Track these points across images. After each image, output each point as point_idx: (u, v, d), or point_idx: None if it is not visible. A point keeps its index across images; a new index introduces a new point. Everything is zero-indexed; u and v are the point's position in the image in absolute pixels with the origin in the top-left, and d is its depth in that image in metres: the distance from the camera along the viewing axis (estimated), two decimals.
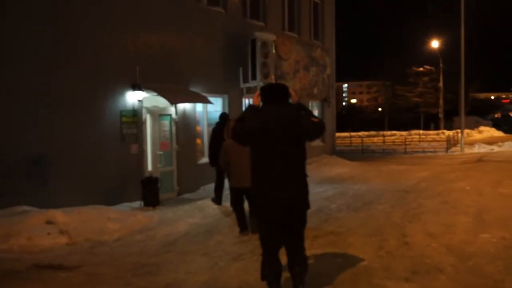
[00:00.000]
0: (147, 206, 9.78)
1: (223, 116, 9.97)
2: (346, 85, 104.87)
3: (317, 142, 19.21)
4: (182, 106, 11.65)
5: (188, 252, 6.42)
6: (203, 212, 9.04)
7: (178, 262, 5.99)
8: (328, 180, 13.48)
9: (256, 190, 4.09)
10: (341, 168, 16.41)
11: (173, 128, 11.40)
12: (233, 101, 13.68)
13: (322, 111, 19.71)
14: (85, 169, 9.26)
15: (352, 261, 5.53)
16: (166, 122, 11.31)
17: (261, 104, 4.21)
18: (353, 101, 70.00)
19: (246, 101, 14.40)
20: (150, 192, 9.85)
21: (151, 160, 10.90)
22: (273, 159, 3.93)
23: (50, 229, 7.22)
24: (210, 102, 11.70)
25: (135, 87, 10.20)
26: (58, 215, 7.61)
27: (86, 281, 5.42)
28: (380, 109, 66.42)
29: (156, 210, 9.63)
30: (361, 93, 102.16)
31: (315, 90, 18.81)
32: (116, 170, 9.90)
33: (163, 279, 5.37)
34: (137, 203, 9.91)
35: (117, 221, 7.97)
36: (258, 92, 4.29)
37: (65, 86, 8.93)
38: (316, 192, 11.07)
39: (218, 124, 9.89)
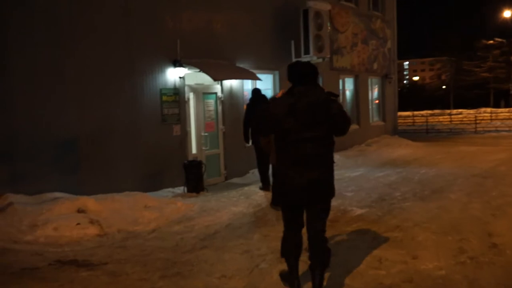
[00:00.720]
0: (190, 192, 9.05)
1: (255, 92, 8.93)
2: (407, 62, 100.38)
3: (377, 122, 17.83)
4: (228, 83, 10.77)
5: (227, 249, 5.55)
6: (249, 199, 8.17)
7: (214, 261, 5.14)
8: (389, 163, 12.22)
9: (280, 172, 3.93)
10: (404, 149, 15.02)
11: (219, 108, 10.55)
12: (285, 78, 12.60)
13: (382, 88, 18.22)
14: (122, 153, 8.62)
15: (424, 269, 4.44)
16: (211, 101, 10.47)
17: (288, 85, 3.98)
18: (415, 78, 66.33)
19: None
20: (193, 177, 9.11)
21: (196, 142, 10.13)
22: (299, 141, 3.75)
23: (80, 218, 6.59)
24: (258, 79, 10.72)
25: (176, 63, 9.40)
26: (90, 203, 7.00)
27: (107, 283, 4.68)
28: (444, 86, 62.75)
29: (199, 196, 8.88)
30: (423, 70, 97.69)
31: (375, 65, 17.35)
32: (157, 154, 9.20)
33: (193, 283, 4.53)
34: (181, 189, 9.21)
35: (154, 210, 7.25)
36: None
37: (97, 62, 8.25)
38: (376, 176, 9.91)
39: (251, 100, 8.88)
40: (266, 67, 11.99)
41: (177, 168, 9.23)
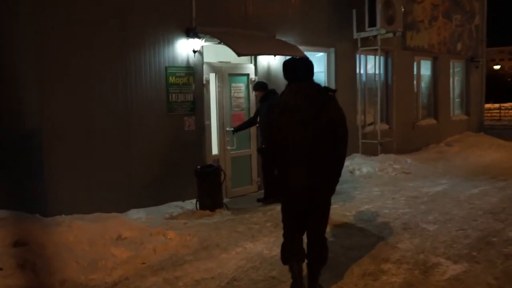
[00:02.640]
0: (203, 210, 6.59)
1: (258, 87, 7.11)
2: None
3: (460, 115, 14.49)
4: (266, 62, 8.13)
5: None
6: (278, 229, 5.52)
7: None
8: (482, 171, 9.11)
9: (280, 173, 3.74)
10: (496, 151, 11.69)
11: (252, 95, 7.96)
12: (342, 57, 9.79)
13: (466, 75, 14.81)
14: (110, 156, 6.25)
15: None
16: (241, 86, 7.90)
17: None
18: (496, 67, 60.11)
19: (362, 59, 10.40)
20: (207, 189, 6.63)
21: (217, 140, 7.62)
22: (296, 141, 3.60)
23: (7, 259, 4.28)
24: (302, 55, 7.97)
25: (190, 32, 6.91)
26: (35, 231, 4.68)
27: None
28: None
29: (214, 215, 6.42)
30: (502, 60, 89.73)
31: (459, 46, 13.99)
32: (161, 155, 6.79)
33: None
34: (193, 202, 6.76)
35: (129, 245, 4.83)
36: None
37: (80, 33, 5.91)
38: (469, 195, 6.95)
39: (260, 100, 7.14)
40: (318, 43, 9.23)
41: (190, 174, 6.77)
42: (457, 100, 14.67)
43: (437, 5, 12.73)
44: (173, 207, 6.83)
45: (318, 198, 3.65)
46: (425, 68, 13.01)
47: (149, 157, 6.65)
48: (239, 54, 6.55)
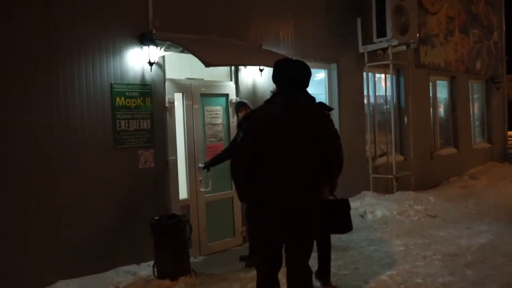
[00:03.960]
0: (160, 279, 4.75)
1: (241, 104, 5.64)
2: None
3: (481, 143, 12.69)
4: (250, 79, 6.42)
5: None
6: None
7: None
8: None
9: (259, 196, 3.13)
10: None
11: (232, 120, 6.19)
12: (346, 75, 8.07)
13: (487, 97, 13.10)
14: (24, 206, 4.44)
15: None
16: (217, 109, 6.13)
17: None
18: None
19: (369, 76, 8.68)
20: (166, 249, 4.80)
21: (187, 180, 5.81)
22: (282, 164, 3.07)
23: None
24: None
25: (145, 38, 5.19)
26: None
27: None
28: None
29: (177, 285, 4.59)
30: None
31: (478, 65, 12.33)
32: (104, 204, 4.98)
33: None
34: (151, 265, 4.91)
35: None
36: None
37: None
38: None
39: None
40: (317, 57, 7.53)
41: (148, 227, 4.94)
42: (477, 125, 12.91)
43: (453, 17, 11.13)
44: (123, 274, 4.99)
45: (302, 232, 3.15)
46: (442, 89, 11.30)
47: (86, 207, 4.84)
48: (207, 65, 4.76)
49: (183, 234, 4.89)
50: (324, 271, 4.43)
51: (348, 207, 4.12)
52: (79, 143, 4.80)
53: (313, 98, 3.27)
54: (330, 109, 3.51)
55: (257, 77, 6.45)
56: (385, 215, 7.03)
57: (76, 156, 4.76)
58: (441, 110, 11.28)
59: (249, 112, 3.41)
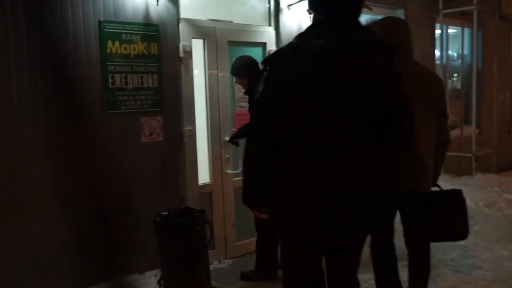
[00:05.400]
0: None
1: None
2: None
3: None
4: (295, 24, 4.81)
5: None
6: None
7: None
8: None
9: (289, 191, 2.02)
10: None
11: None
12: (415, 25, 6.31)
13: None
14: None
15: None
16: None
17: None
18: None
19: (443, 29, 6.89)
20: (176, 258, 3.36)
21: (209, 159, 4.34)
22: (332, 132, 1.94)
23: None
24: (369, 8, 4.68)
25: None
26: None
27: None
28: None
29: None
30: None
31: None
32: (90, 195, 3.55)
33: None
34: (158, 275, 3.53)
35: None
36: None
37: None
38: None
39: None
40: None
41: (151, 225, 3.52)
42: None
43: None
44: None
45: (356, 233, 2.06)
46: None
47: (62, 200, 3.42)
48: None
49: (200, 238, 3.43)
50: None
51: (463, 201, 2.83)
52: (55, 108, 3.35)
53: (371, 32, 2.07)
54: (394, 50, 2.09)
55: (304, 22, 4.82)
56: (468, 206, 5.38)
57: (47, 124, 3.32)
58: None
59: (273, 52, 2.15)
